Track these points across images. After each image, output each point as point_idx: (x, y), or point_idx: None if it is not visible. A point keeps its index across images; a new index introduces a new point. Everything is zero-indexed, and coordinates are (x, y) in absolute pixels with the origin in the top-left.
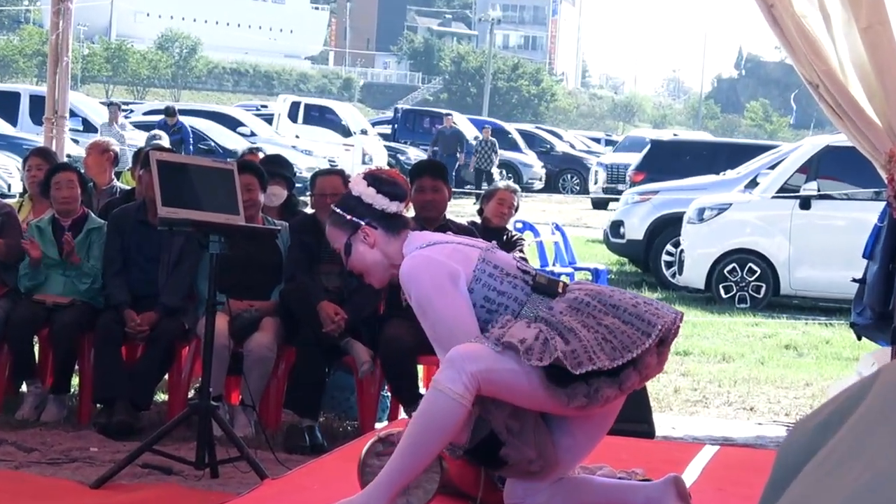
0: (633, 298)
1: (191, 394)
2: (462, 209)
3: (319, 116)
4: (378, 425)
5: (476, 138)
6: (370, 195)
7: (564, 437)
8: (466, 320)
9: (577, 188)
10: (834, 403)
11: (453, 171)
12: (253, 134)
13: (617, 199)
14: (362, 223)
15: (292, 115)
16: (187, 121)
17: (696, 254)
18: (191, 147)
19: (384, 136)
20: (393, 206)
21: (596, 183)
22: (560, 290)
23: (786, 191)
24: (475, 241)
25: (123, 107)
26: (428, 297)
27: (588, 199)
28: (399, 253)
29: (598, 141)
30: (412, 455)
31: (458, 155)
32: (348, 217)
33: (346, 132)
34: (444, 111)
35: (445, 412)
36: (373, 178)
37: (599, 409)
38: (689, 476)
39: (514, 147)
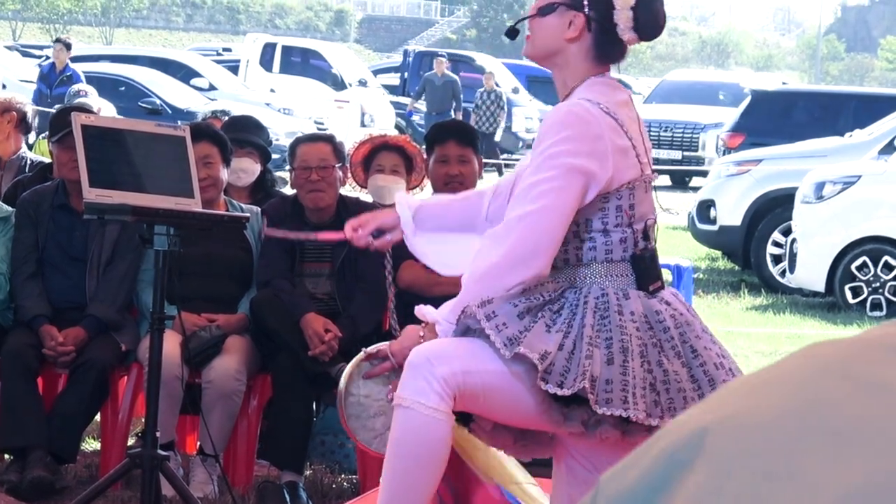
0: (720, 357)
1: (131, 440)
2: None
3: (302, 63)
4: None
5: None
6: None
7: None
8: (553, 234)
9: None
10: (639, 470)
11: None
12: (212, 87)
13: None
14: (585, 8)
15: (265, 62)
16: (124, 70)
17: (814, 244)
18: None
19: (390, 89)
20: (628, 34)
21: None
22: (655, 286)
23: None
24: (644, 156)
25: (37, 52)
26: (543, 163)
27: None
28: (578, 77)
29: None
30: (398, 495)
31: (452, 112)
32: None
33: (339, 84)
34: (469, 54)
35: (429, 435)
36: None
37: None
38: None
39: None
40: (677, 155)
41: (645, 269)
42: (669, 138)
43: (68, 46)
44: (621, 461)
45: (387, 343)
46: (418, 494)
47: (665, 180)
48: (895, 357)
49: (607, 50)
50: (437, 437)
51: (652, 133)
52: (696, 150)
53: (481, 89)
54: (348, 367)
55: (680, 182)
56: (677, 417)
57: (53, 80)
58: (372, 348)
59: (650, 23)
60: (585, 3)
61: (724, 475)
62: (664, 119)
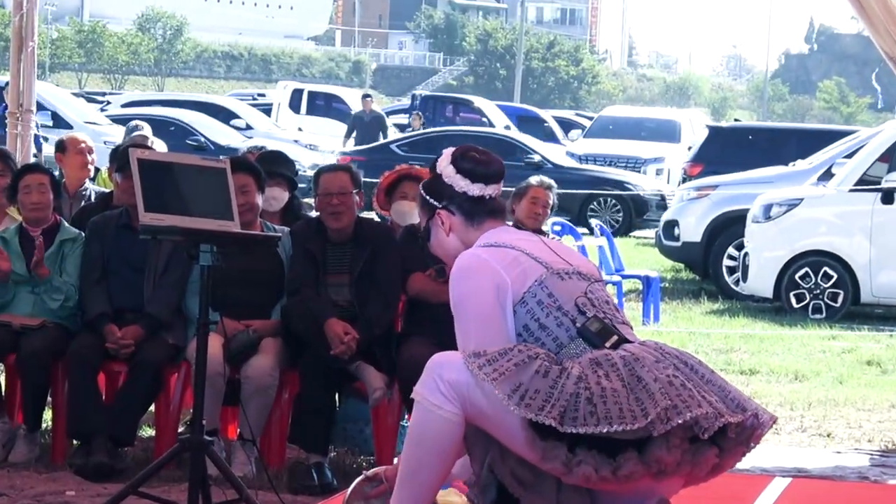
0: (669, 376)
1: (181, 428)
2: None
3: (325, 106)
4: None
5: (408, 127)
6: (449, 175)
7: None
8: (496, 339)
9: None
10: None
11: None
12: (249, 127)
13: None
14: (438, 206)
15: (294, 105)
16: (172, 112)
17: (763, 257)
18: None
19: (401, 128)
20: (475, 189)
21: None
22: (608, 345)
23: (865, 183)
24: (549, 257)
25: (99, 98)
26: (463, 304)
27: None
28: (472, 243)
29: None
30: (411, 483)
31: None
32: (428, 198)
33: None
34: (468, 97)
35: (431, 428)
36: (458, 154)
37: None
38: None
39: (550, 137)
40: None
41: (595, 336)
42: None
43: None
44: None
45: (383, 468)
46: (422, 478)
47: None
48: None
49: (475, 212)
50: (438, 430)
51: (598, 163)
52: None
53: (410, 129)
54: (352, 486)
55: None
56: None
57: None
58: (370, 472)
59: (475, 167)
60: (433, 203)
61: None
62: (609, 154)
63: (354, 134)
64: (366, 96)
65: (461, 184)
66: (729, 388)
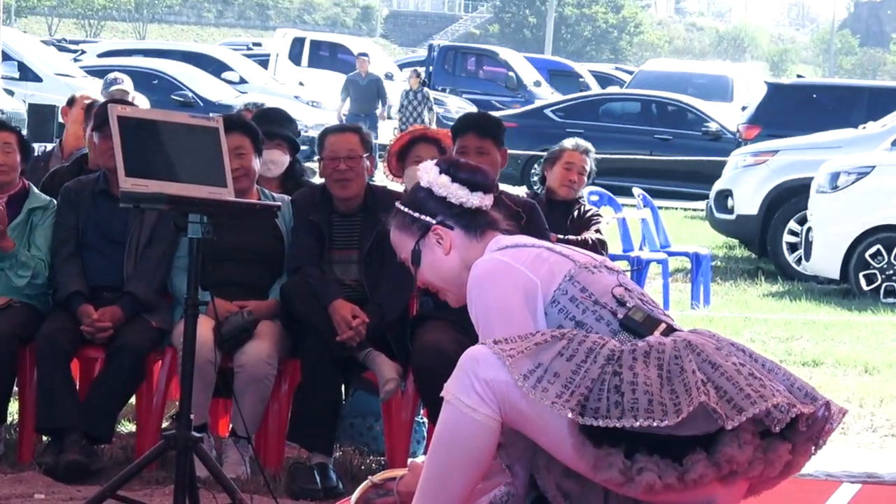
0: (737, 365)
1: (165, 423)
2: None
3: (330, 57)
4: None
5: (407, 89)
6: (443, 185)
7: None
8: None
9: None
10: None
11: (376, 135)
12: (243, 81)
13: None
14: (433, 222)
15: (294, 56)
16: (155, 63)
17: (828, 233)
18: None
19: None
20: (474, 199)
21: None
22: (657, 334)
23: None
24: (570, 252)
25: (73, 47)
26: (488, 318)
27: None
28: (478, 258)
29: None
30: (435, 492)
31: (377, 112)
32: (416, 215)
33: None
34: (493, 48)
35: (463, 431)
36: (447, 165)
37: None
38: None
39: None
40: None
41: (640, 326)
42: None
43: None
44: None
45: (400, 473)
46: (449, 487)
47: None
48: None
49: (475, 224)
50: (471, 434)
51: None
52: None
53: (406, 88)
54: (357, 493)
55: None
56: None
57: None
58: (379, 477)
59: (473, 176)
60: (425, 219)
61: None
62: None
63: (350, 99)
64: (362, 55)
65: (459, 194)
66: (794, 378)
